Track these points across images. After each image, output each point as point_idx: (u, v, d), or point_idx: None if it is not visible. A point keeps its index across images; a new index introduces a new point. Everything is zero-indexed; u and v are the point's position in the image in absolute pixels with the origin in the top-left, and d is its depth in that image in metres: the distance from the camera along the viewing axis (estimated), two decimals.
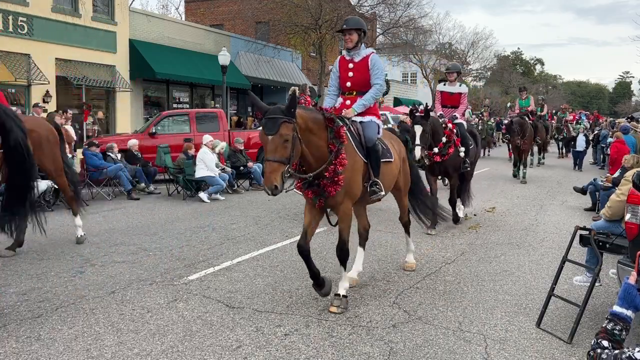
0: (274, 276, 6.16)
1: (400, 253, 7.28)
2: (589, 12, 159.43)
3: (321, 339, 4.44)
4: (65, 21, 18.04)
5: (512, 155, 16.31)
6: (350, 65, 5.61)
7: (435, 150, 8.36)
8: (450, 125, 8.69)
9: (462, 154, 8.72)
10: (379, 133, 5.55)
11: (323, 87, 27.61)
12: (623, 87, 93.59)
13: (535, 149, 19.19)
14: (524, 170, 15.12)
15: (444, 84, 9.47)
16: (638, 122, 18.06)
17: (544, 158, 20.50)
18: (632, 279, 2.22)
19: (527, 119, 15.53)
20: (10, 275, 6.01)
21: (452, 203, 9.15)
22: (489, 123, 25.73)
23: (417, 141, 7.86)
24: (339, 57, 5.87)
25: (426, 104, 8.79)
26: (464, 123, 9.28)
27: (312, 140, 4.67)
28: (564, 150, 24.41)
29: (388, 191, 5.78)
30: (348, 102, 5.57)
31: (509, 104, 28.92)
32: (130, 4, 23.03)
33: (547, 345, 4.45)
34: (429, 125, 7.98)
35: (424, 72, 41.03)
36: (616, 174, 9.21)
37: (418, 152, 7.80)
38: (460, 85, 9.35)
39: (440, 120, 8.66)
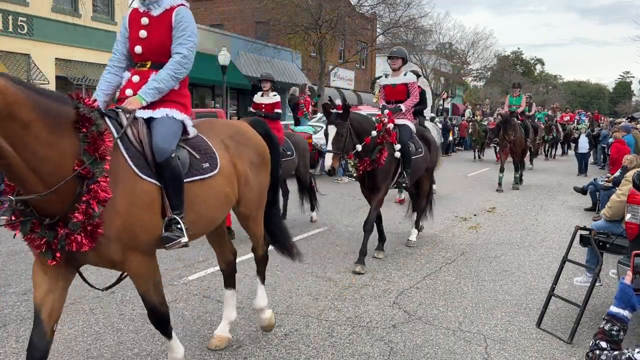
0: (274, 276, 6.16)
1: (400, 253, 7.28)
2: (592, 12, 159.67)
3: (321, 339, 4.44)
4: (65, 21, 18.04)
5: (501, 159, 14.30)
6: (145, 21, 3.61)
7: (358, 147, 6.49)
8: (387, 121, 6.88)
9: (397, 154, 6.83)
10: (186, 134, 3.60)
11: (323, 87, 27.65)
12: (623, 87, 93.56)
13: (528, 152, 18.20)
14: (516, 175, 14.15)
15: (385, 76, 7.77)
16: (637, 122, 18.08)
17: (532, 163, 19.18)
18: (627, 279, 2.22)
19: (516, 119, 13.94)
20: (10, 275, 6.00)
21: (417, 221, 8.05)
22: (483, 124, 23.17)
23: (329, 146, 6.24)
24: (131, 8, 3.85)
25: (344, 99, 6.97)
26: (410, 125, 7.29)
27: (30, 144, 2.64)
28: (552, 152, 23.66)
29: (207, 229, 3.95)
30: (136, 78, 3.60)
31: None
32: (130, 4, 23.02)
33: (547, 345, 4.45)
34: (347, 126, 6.30)
35: (424, 72, 40.97)
36: (616, 174, 9.20)
37: (328, 160, 6.26)
38: (405, 74, 7.50)
39: (374, 118, 7.06)
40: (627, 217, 4.64)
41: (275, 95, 8.90)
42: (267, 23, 29.76)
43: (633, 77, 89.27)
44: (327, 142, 6.29)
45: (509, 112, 14.27)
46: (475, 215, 10.07)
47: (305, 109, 15.44)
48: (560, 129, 23.83)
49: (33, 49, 16.93)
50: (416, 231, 7.95)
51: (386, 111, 7.07)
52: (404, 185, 7.23)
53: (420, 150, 7.35)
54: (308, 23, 26.85)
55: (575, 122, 25.99)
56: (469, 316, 5.02)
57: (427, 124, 11.65)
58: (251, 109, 9.22)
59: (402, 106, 7.24)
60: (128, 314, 4.93)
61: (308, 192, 9.24)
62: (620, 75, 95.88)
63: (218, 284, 5.87)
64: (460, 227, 9.05)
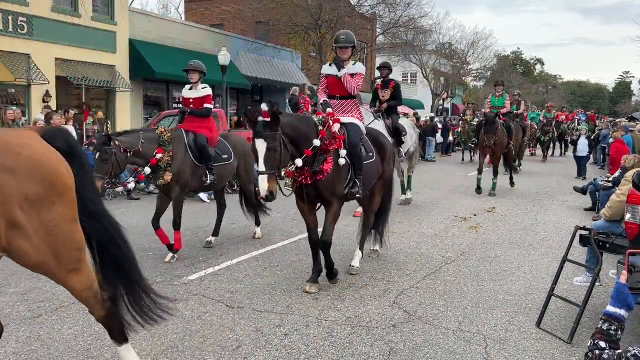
0: (274, 276, 6.16)
1: (400, 253, 7.29)
2: (594, 13, 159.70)
3: (321, 339, 4.44)
4: (65, 21, 18.01)
5: (479, 161, 13.11)
6: None
7: (298, 163, 5.26)
8: (333, 121, 5.66)
9: (342, 162, 5.56)
10: None
11: None
12: (623, 87, 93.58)
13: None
14: (495, 180, 12.76)
15: (330, 65, 6.36)
16: (637, 123, 18.07)
17: (520, 166, 17.99)
18: (623, 279, 2.22)
19: (498, 119, 12.61)
20: (10, 275, 6.00)
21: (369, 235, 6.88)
22: (473, 123, 20.77)
23: (260, 166, 4.97)
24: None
25: (270, 101, 5.33)
26: (360, 124, 6.12)
27: None
28: (547, 153, 22.83)
29: None
30: None
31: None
32: (130, 4, 23.02)
33: (547, 345, 4.45)
34: (279, 137, 4.97)
35: (424, 72, 41.02)
36: (616, 174, 9.21)
37: (263, 184, 4.92)
38: (354, 64, 6.19)
39: (315, 118, 5.69)
40: (627, 217, 4.65)
41: (205, 88, 7.67)
42: (267, 23, 29.76)
43: (633, 77, 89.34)
44: (256, 161, 5.05)
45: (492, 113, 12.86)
46: (475, 215, 10.07)
47: (305, 109, 15.45)
48: (555, 129, 23.33)
49: (33, 49, 16.91)
50: (360, 254, 6.56)
51: (329, 110, 5.81)
52: (357, 196, 5.90)
53: (371, 155, 6.09)
54: (308, 23, 26.85)
55: (576, 123, 25.76)
56: (469, 316, 5.02)
57: (403, 121, 11.21)
58: (180, 106, 7.98)
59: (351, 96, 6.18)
60: None
61: (253, 203, 8.02)
62: (620, 75, 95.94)
63: (218, 284, 5.88)
64: (460, 227, 9.05)
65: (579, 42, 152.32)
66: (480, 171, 12.63)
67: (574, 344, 4.44)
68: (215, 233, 7.76)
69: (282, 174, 5.22)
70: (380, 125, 9.37)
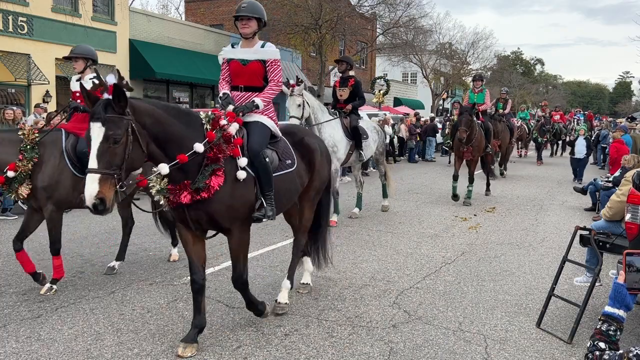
0: (274, 276, 6.16)
1: (400, 253, 7.29)
2: (598, 13, 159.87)
3: (321, 339, 4.44)
4: (65, 21, 18.02)
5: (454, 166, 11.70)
6: None
7: (162, 169, 3.86)
8: (229, 120, 4.23)
9: (241, 175, 4.15)
10: None
11: (323, 86, 27.67)
12: (623, 87, 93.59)
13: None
14: (470, 188, 11.36)
15: (232, 46, 4.86)
16: (637, 123, 18.05)
17: (505, 170, 16.70)
18: (620, 279, 2.22)
19: (475, 118, 11.28)
20: (10, 275, 6.01)
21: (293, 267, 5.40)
22: None
23: (91, 162, 3.49)
24: None
25: (118, 72, 3.64)
26: (268, 122, 4.64)
27: None
28: (543, 154, 21.56)
29: None
30: None
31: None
32: (130, 4, 23.03)
33: (547, 345, 4.45)
34: (126, 125, 3.57)
35: (424, 72, 41.03)
36: (616, 174, 9.21)
37: (91, 187, 3.45)
38: (263, 46, 4.74)
39: (202, 114, 4.22)
40: (627, 217, 4.65)
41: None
42: (267, 23, 29.76)
43: (633, 77, 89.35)
44: (89, 153, 3.53)
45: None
46: (475, 215, 10.07)
47: None
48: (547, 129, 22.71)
49: (33, 49, 16.93)
50: (288, 285, 5.18)
51: (230, 107, 4.39)
52: (263, 220, 4.38)
53: (288, 162, 4.72)
54: (308, 23, 26.86)
55: (575, 123, 25.59)
56: (469, 316, 5.02)
57: (365, 123, 9.78)
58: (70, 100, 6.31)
59: (258, 100, 4.60)
60: (128, 314, 4.93)
61: (169, 219, 6.26)
62: (620, 75, 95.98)
63: (218, 284, 5.88)
64: (460, 227, 9.05)
65: (582, 42, 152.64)
66: (455, 178, 11.13)
67: (574, 344, 4.44)
68: (120, 257, 6.35)
69: (129, 180, 3.72)
70: (337, 124, 8.90)
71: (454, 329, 4.70)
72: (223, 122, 4.17)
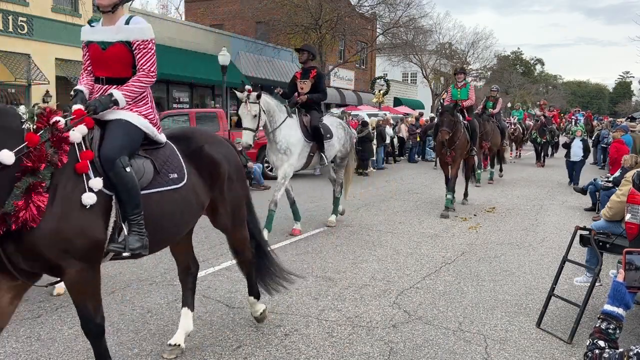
0: None
1: (400, 253, 7.29)
2: (599, 13, 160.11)
3: (321, 339, 4.44)
4: (65, 21, 18.03)
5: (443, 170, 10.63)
6: None
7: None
8: (77, 119, 3.20)
9: (88, 200, 3.05)
10: None
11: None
12: (623, 87, 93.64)
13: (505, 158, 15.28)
14: (448, 196, 10.13)
15: (91, 24, 3.80)
16: (637, 123, 18.03)
17: (501, 170, 15.94)
18: (620, 277, 2.23)
19: (460, 117, 10.26)
20: None
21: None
22: None
23: None
24: None
25: None
26: (137, 119, 3.49)
27: None
28: (542, 154, 20.38)
29: None
30: None
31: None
32: (130, 4, 23.04)
33: (547, 345, 4.45)
34: None
35: (424, 72, 41.06)
36: (616, 174, 9.21)
37: None
38: (128, 22, 3.55)
39: (22, 110, 3.11)
40: (627, 217, 4.65)
41: None
42: (267, 23, 29.78)
43: (633, 77, 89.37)
44: None
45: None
46: (475, 215, 10.07)
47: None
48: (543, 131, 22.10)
49: (33, 49, 16.94)
50: (256, 300, 4.62)
51: (77, 106, 3.33)
52: (132, 251, 3.27)
53: (174, 177, 3.58)
54: (308, 23, 26.89)
55: (573, 123, 25.43)
56: (469, 316, 5.02)
57: (330, 120, 8.87)
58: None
59: (118, 93, 3.43)
60: (128, 314, 4.93)
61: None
62: (620, 75, 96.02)
63: (218, 284, 5.88)
64: (460, 227, 9.05)
65: (583, 42, 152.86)
66: (447, 183, 10.28)
67: (574, 344, 4.44)
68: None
69: None
70: (293, 124, 8.01)
71: (454, 329, 4.71)
72: (57, 118, 3.06)
